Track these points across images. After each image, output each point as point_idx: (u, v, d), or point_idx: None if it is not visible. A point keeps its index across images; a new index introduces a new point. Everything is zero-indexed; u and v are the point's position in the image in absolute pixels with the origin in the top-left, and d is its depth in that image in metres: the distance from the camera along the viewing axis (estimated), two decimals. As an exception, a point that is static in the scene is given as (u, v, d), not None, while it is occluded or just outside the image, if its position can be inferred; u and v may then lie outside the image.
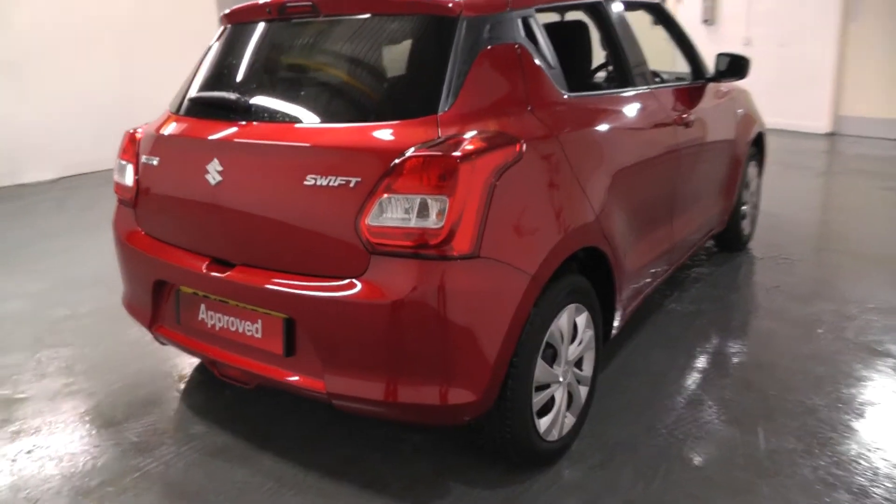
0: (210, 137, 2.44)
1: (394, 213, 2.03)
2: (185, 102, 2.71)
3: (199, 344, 2.56)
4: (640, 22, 3.76)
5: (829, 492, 2.35)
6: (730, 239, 4.62)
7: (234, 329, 2.41)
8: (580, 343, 2.56)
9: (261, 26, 2.66)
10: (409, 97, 2.29)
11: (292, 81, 2.58)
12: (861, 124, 9.11)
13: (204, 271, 2.42)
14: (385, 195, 2.04)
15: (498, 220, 2.09)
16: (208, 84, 2.69)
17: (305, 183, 2.16)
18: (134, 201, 2.75)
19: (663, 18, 3.90)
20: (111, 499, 2.43)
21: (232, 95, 2.48)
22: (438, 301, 2.01)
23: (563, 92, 2.61)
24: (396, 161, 2.05)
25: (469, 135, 2.14)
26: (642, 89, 3.18)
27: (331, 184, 2.12)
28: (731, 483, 2.42)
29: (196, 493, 2.44)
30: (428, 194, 2.01)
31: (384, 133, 2.15)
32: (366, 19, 2.44)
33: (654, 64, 3.96)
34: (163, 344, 2.80)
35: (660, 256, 3.32)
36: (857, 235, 5.22)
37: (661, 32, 3.99)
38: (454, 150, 2.04)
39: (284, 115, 2.41)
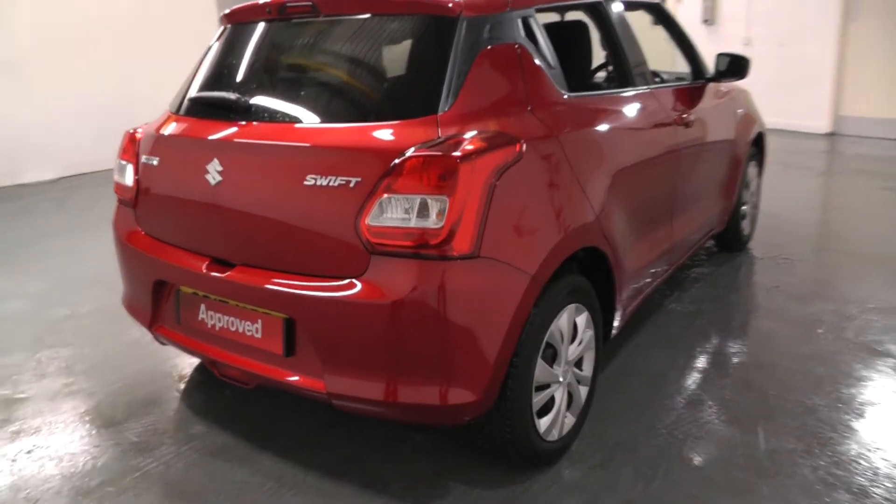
0: (210, 137, 2.44)
1: (394, 213, 2.03)
2: (185, 102, 2.71)
3: (199, 344, 2.56)
4: (640, 22, 3.76)
5: (829, 492, 2.35)
6: (730, 239, 4.62)
7: (234, 329, 2.41)
8: (580, 343, 2.56)
9: (261, 26, 2.66)
10: (409, 97, 2.29)
11: (292, 81, 2.58)
12: (861, 124, 9.11)
13: (204, 271, 2.42)
14: (385, 195, 2.04)
15: (498, 220, 2.09)
16: (208, 84, 2.69)
17: (305, 183, 2.16)
18: (134, 201, 2.75)
19: (663, 18, 3.90)
20: (111, 499, 2.43)
21: (232, 95, 2.48)
22: (438, 301, 2.01)
23: (563, 92, 2.61)
24: (396, 161, 2.05)
25: (469, 135, 2.14)
26: (642, 89, 3.18)
27: (331, 184, 2.12)
28: (731, 483, 2.42)
29: (196, 494, 2.44)
30: (428, 194, 2.01)
31: (384, 133, 2.15)
32: (366, 19, 2.44)
33: (654, 64, 3.96)
34: (163, 344, 2.80)
35: (660, 256, 3.32)
36: (858, 235, 5.22)
37: (661, 32, 3.99)
38: (454, 150, 2.04)
39: (284, 114, 2.41)
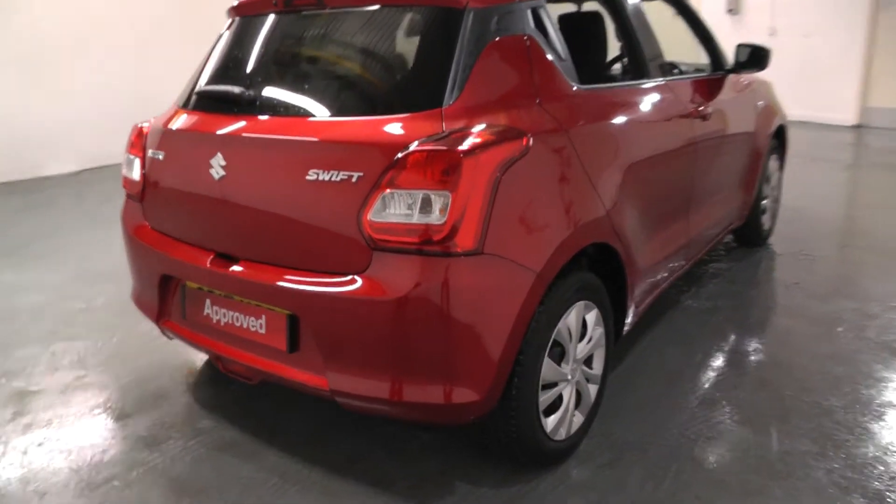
0: (214, 132, 2.43)
1: (396, 209, 2.00)
2: (191, 96, 2.70)
3: (204, 339, 2.55)
4: (663, 13, 3.70)
5: (843, 496, 2.29)
6: (749, 234, 4.54)
7: (238, 324, 2.40)
8: (590, 341, 2.52)
9: (266, 19, 2.64)
10: (414, 90, 2.25)
11: (296, 75, 2.55)
12: (889, 116, 8.92)
13: (208, 266, 2.41)
14: (387, 190, 2.01)
15: (503, 215, 2.05)
16: (213, 78, 2.68)
17: (308, 178, 2.13)
18: (141, 195, 2.75)
19: (680, 8, 3.82)
20: (117, 493, 2.43)
21: (236, 89, 2.46)
22: (440, 298, 1.98)
23: (574, 84, 2.55)
24: (399, 155, 2.02)
25: (474, 129, 2.10)
26: (657, 81, 3.12)
27: (333, 178, 2.09)
28: (742, 485, 2.36)
29: (201, 489, 2.43)
30: (430, 189, 1.98)
31: (387, 127, 2.12)
32: (371, 11, 2.41)
33: (678, 55, 3.89)
34: (169, 338, 2.79)
35: (675, 252, 3.26)
36: (883, 231, 5.10)
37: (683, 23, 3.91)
38: (458, 145, 2.00)
39: (288, 108, 2.39)
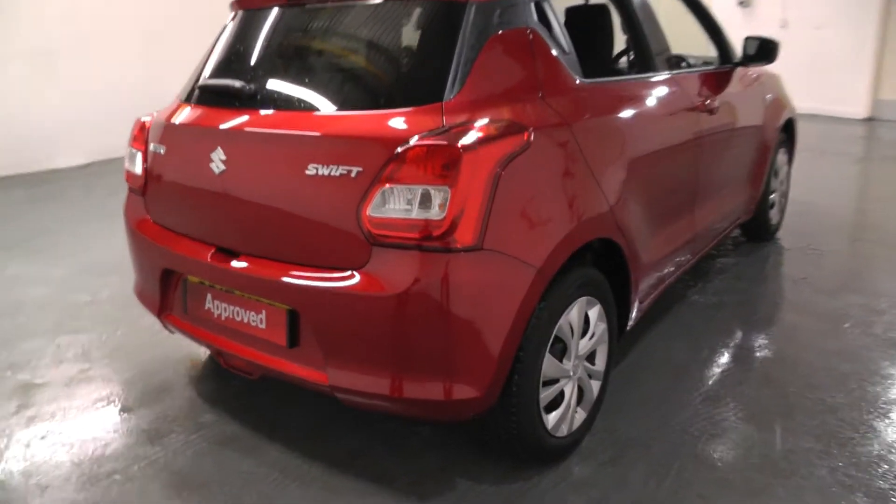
0: (214, 126, 2.42)
1: (395, 204, 1.99)
2: (193, 90, 2.68)
3: (205, 333, 2.55)
4: (672, 6, 3.66)
5: (846, 494, 2.27)
6: (757, 228, 4.50)
7: (238, 319, 2.39)
8: (592, 337, 2.50)
9: (269, 12, 2.62)
10: (414, 84, 2.23)
11: (297, 69, 2.53)
12: (901, 109, 8.84)
13: (209, 261, 2.41)
14: (387, 185, 2.00)
15: (503, 211, 2.03)
16: (214, 72, 2.66)
17: (307, 172, 2.12)
18: (143, 189, 2.74)
19: (689, 0, 3.77)
20: (118, 487, 2.43)
21: (237, 83, 2.44)
22: (439, 295, 1.96)
23: (578, 78, 2.53)
24: (398, 150, 2.00)
25: (475, 123, 2.08)
26: (663, 75, 3.09)
27: (332, 173, 2.08)
28: (745, 483, 2.34)
29: (201, 484, 2.43)
30: (430, 184, 1.96)
31: (387, 121, 2.10)
32: (373, 5, 2.39)
33: (687, 48, 3.85)
34: (171, 332, 2.79)
35: (681, 247, 3.23)
36: (893, 225, 5.06)
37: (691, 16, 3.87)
38: (458, 140, 1.99)
39: (288, 102, 2.37)
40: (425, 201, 1.96)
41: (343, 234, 2.08)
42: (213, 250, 2.43)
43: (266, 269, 2.26)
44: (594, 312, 2.48)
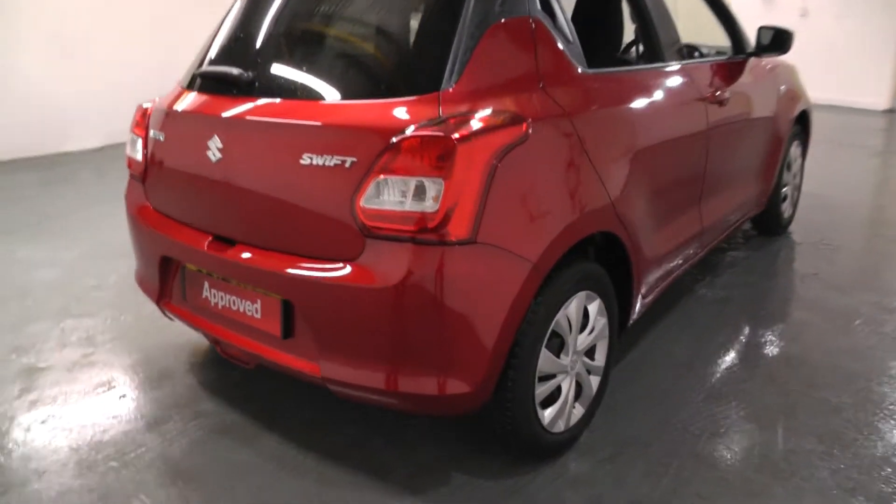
0: (212, 114, 2.40)
1: (389, 196, 1.96)
2: (193, 77, 2.66)
3: (202, 321, 2.54)
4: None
5: (847, 497, 2.23)
6: (768, 222, 4.43)
7: (235, 308, 2.38)
8: (591, 332, 2.46)
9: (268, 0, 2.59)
10: (411, 73, 2.19)
11: (294, 57, 2.50)
12: (924, 101, 8.68)
13: (206, 249, 2.39)
14: (381, 176, 1.97)
15: (498, 204, 2.00)
16: (213, 58, 2.64)
17: (301, 162, 2.09)
18: (143, 176, 2.74)
19: (702, -10, 3.70)
20: (113, 473, 2.44)
21: (234, 71, 2.42)
22: (431, 288, 1.94)
23: (582, 68, 2.48)
24: (393, 141, 1.97)
25: (471, 114, 2.04)
26: (671, 65, 3.03)
27: (327, 163, 2.05)
28: (743, 484, 2.31)
29: (196, 473, 2.43)
30: (424, 176, 1.93)
31: (382, 111, 2.07)
32: None
33: (703, 38, 3.79)
34: (171, 319, 2.79)
35: (687, 241, 3.18)
36: (910, 221, 4.97)
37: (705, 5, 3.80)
38: (453, 131, 1.95)
39: (284, 91, 2.34)
40: (419, 193, 1.93)
41: (337, 224, 2.05)
42: (210, 239, 2.42)
43: (261, 258, 2.24)
44: (594, 307, 2.44)
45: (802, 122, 4.47)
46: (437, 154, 1.92)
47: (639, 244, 2.64)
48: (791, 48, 3.70)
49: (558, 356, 2.33)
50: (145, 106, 2.80)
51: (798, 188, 4.71)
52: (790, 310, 3.65)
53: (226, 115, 2.35)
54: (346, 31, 2.40)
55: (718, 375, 2.97)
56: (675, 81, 3.02)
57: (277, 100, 2.29)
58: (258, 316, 2.31)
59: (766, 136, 3.93)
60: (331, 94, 2.26)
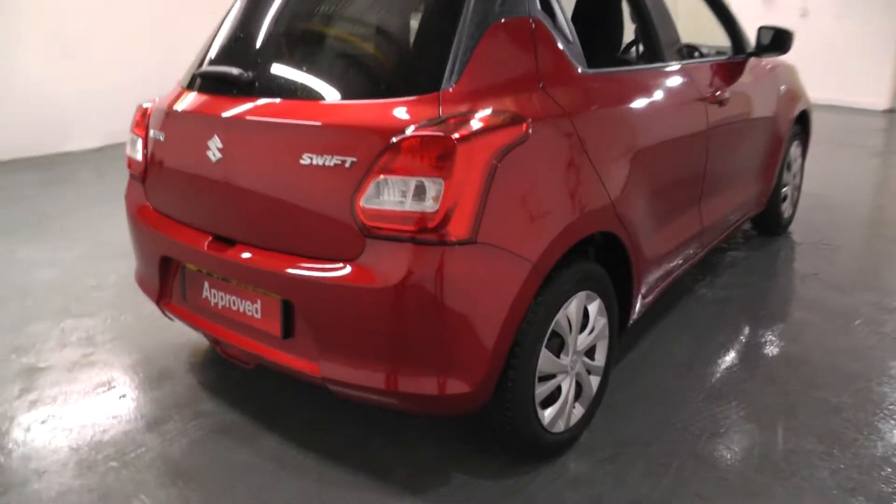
0: (212, 114, 2.40)
1: (389, 196, 1.96)
2: (193, 77, 2.66)
3: (203, 322, 2.54)
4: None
5: (846, 497, 2.23)
6: (768, 222, 4.43)
7: (235, 308, 2.38)
8: (591, 332, 2.46)
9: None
10: (411, 73, 2.19)
11: (293, 56, 2.50)
12: (924, 101, 8.68)
13: (206, 249, 2.39)
14: (381, 176, 1.97)
15: (498, 204, 2.00)
16: (213, 58, 2.64)
17: (301, 162, 2.09)
18: (143, 176, 2.74)
19: (702, -11, 3.70)
20: (113, 473, 2.43)
21: (233, 70, 2.41)
22: (431, 288, 1.94)
23: (582, 68, 2.48)
24: (393, 141, 1.97)
25: (471, 114, 2.04)
26: (671, 65, 3.03)
27: (326, 163, 2.05)
28: (743, 484, 2.31)
29: (195, 473, 2.43)
30: (423, 176, 1.93)
31: (382, 111, 2.07)
32: None
33: (704, 39, 3.78)
34: (171, 319, 2.79)
35: (687, 241, 3.18)
36: (910, 221, 4.96)
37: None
38: (453, 131, 1.95)
39: (283, 90, 2.34)
40: (419, 193, 1.93)
41: (337, 225, 2.05)
42: (210, 239, 2.42)
43: (261, 258, 2.24)
44: (594, 307, 2.44)
45: (802, 122, 4.47)
46: (437, 154, 1.92)
47: (639, 244, 2.64)
48: (791, 48, 3.70)
49: (558, 356, 2.33)
50: (145, 106, 2.80)
51: (798, 188, 4.71)
52: (790, 310, 3.65)
53: (226, 115, 2.35)
54: (346, 31, 2.40)
55: (718, 375, 2.97)
56: (674, 81, 3.02)
57: (277, 100, 2.29)
58: (258, 316, 2.31)
59: (766, 137, 3.93)
60: (331, 94, 2.26)
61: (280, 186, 2.18)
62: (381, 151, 1.97)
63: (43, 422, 2.75)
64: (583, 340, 2.43)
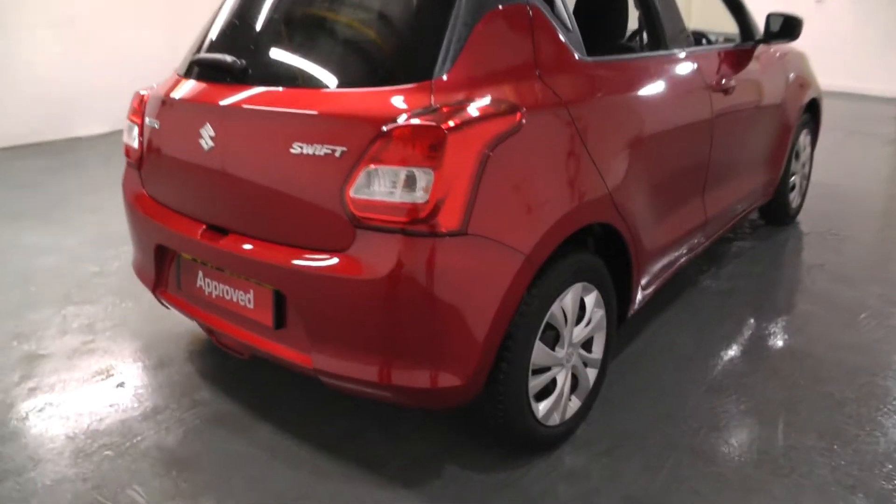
0: (204, 101, 2.37)
1: (378, 186, 1.93)
2: (188, 64, 2.63)
3: (197, 311, 2.53)
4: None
5: (846, 495, 2.19)
6: (776, 211, 4.37)
7: (228, 298, 2.37)
8: (588, 324, 2.43)
9: None
10: (403, 61, 2.15)
11: (286, 44, 2.46)
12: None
13: (199, 238, 2.37)
14: (371, 166, 1.93)
15: (490, 195, 1.96)
16: (207, 45, 2.61)
17: (292, 151, 2.06)
18: (139, 164, 2.72)
19: (710, -25, 3.64)
20: (109, 462, 2.43)
21: (227, 58, 2.38)
22: (421, 280, 1.91)
23: (581, 56, 2.43)
24: (383, 130, 1.93)
25: (463, 103, 2.01)
26: (675, 52, 2.97)
27: (317, 153, 2.02)
28: (741, 480, 2.27)
29: (190, 462, 2.42)
30: (413, 166, 1.89)
31: (373, 100, 2.03)
32: None
33: (715, 26, 3.72)
34: (167, 308, 2.78)
35: (690, 232, 3.13)
36: (923, 211, 4.89)
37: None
38: (443, 120, 1.91)
39: (275, 78, 2.30)
40: (409, 183, 1.89)
41: (327, 215, 2.02)
42: (203, 227, 2.40)
43: (253, 248, 2.22)
44: (591, 299, 2.41)
45: (812, 111, 4.40)
46: (427, 144, 1.89)
47: (638, 235, 2.60)
48: (800, 35, 3.63)
49: (553, 349, 2.30)
50: (142, 93, 2.78)
51: (807, 177, 4.64)
52: (796, 301, 3.60)
53: (218, 102, 2.32)
54: (339, 19, 2.36)
55: (720, 368, 2.93)
56: (677, 69, 2.96)
57: (269, 88, 2.26)
58: (251, 306, 2.29)
59: (774, 125, 3.86)
60: (322, 83, 2.22)
61: (271, 176, 2.15)
62: (371, 141, 1.94)
63: (41, 410, 2.75)
64: (579, 333, 2.39)
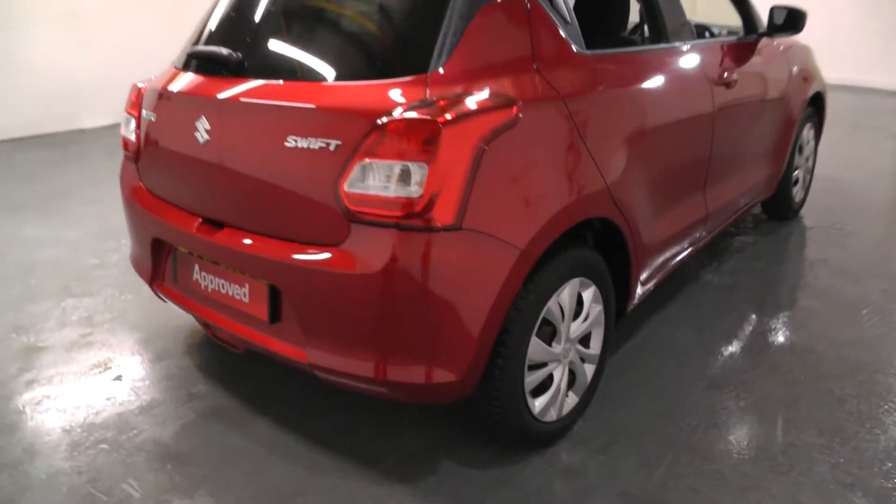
0: (200, 94, 2.36)
1: (373, 180, 1.91)
2: (185, 57, 2.61)
3: (193, 304, 2.52)
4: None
5: (845, 493, 2.17)
6: (779, 206, 4.34)
7: (224, 292, 2.36)
8: (586, 319, 2.41)
9: None
10: (399, 54, 2.12)
11: (281, 37, 2.44)
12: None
13: (195, 232, 2.36)
14: (365, 160, 1.92)
15: (485, 190, 1.94)
16: (204, 38, 2.59)
17: (286, 144, 2.05)
18: (136, 157, 2.71)
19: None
20: (104, 456, 2.43)
21: (223, 51, 2.36)
22: (415, 275, 1.89)
23: (579, 49, 2.40)
24: (378, 123, 1.92)
25: (459, 97, 1.98)
26: (676, 45, 2.94)
27: (311, 146, 2.00)
28: (739, 478, 2.26)
29: (186, 457, 2.41)
30: (408, 160, 1.87)
31: (367, 93, 2.01)
32: None
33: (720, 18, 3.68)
34: (164, 301, 2.77)
35: (691, 227, 3.10)
36: (927, 206, 4.85)
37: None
38: (438, 114, 1.89)
39: (270, 71, 2.28)
40: (403, 178, 1.88)
41: (322, 209, 2.01)
42: (199, 221, 2.38)
43: (248, 242, 2.21)
44: (588, 294, 2.39)
45: (816, 104, 4.36)
46: (422, 138, 1.87)
47: (637, 230, 2.57)
48: (804, 28, 3.59)
49: (550, 344, 2.28)
50: (140, 85, 2.77)
51: (810, 171, 4.60)
52: (797, 297, 3.57)
53: (213, 95, 2.30)
54: (335, 11, 2.34)
55: (720, 364, 2.91)
56: (678, 62, 2.93)
57: (264, 81, 2.24)
58: (246, 300, 2.28)
59: (777, 119, 3.83)
60: (318, 76, 2.20)
61: (265, 169, 2.14)
62: (365, 134, 1.92)
63: (38, 402, 2.75)
64: (576, 328, 2.37)
